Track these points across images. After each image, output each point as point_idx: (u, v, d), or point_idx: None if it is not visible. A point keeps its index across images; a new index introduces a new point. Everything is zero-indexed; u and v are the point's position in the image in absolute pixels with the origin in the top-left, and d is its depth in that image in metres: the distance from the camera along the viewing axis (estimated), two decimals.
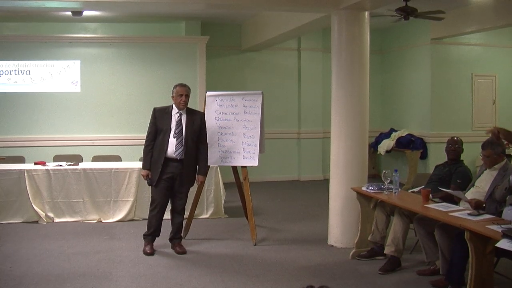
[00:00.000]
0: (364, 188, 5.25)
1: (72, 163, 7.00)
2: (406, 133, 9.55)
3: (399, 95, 10.25)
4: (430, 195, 4.71)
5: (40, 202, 6.72)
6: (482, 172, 4.69)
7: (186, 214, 5.89)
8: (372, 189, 5.14)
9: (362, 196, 5.29)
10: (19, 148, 8.28)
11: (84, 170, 6.84)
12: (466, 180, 5.03)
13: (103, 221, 6.80)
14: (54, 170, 6.78)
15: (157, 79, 8.84)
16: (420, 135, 9.36)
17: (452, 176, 5.15)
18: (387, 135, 10.03)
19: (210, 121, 6.11)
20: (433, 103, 9.18)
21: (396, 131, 9.90)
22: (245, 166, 6.00)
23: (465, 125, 9.28)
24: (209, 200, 7.05)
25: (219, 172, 7.07)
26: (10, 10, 7.62)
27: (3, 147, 8.27)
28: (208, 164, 5.83)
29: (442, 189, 4.79)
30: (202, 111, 6.17)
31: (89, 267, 4.98)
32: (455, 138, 5.37)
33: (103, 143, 8.74)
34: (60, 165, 6.90)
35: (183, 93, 5.38)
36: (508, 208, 3.94)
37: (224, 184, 7.18)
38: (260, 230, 6.21)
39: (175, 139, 5.35)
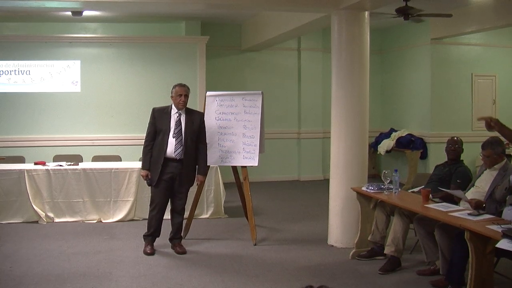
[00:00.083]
0: (364, 188, 5.25)
1: (72, 163, 7.00)
2: (406, 133, 9.56)
3: (399, 95, 10.25)
4: (430, 195, 4.71)
5: (40, 202, 6.72)
6: (482, 172, 4.69)
7: (186, 214, 5.89)
8: (372, 189, 5.14)
9: (362, 196, 5.29)
10: (19, 148, 8.28)
11: (84, 170, 6.84)
12: (466, 180, 5.03)
13: (103, 221, 6.80)
14: (54, 170, 6.78)
15: (157, 79, 8.84)
16: (420, 135, 9.37)
17: (452, 176, 5.15)
18: (387, 135, 10.03)
19: (210, 121, 6.11)
20: (433, 103, 9.18)
21: (396, 131, 9.90)
22: (245, 166, 6.00)
23: (465, 125, 9.28)
24: (209, 200, 7.06)
25: (219, 172, 7.07)
26: (10, 10, 7.62)
27: (3, 147, 8.27)
28: (208, 164, 5.83)
29: (442, 189, 4.80)
30: (202, 111, 6.17)
31: (89, 267, 4.98)
32: (455, 138, 5.37)
33: (103, 143, 8.74)
34: (60, 165, 6.90)
35: (182, 93, 5.38)
36: (508, 208, 3.95)
37: (224, 184, 7.18)
38: (260, 230, 6.21)
39: (174, 139, 5.35)
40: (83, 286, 4.49)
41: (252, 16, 9.15)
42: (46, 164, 6.99)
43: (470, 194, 4.60)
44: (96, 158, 7.76)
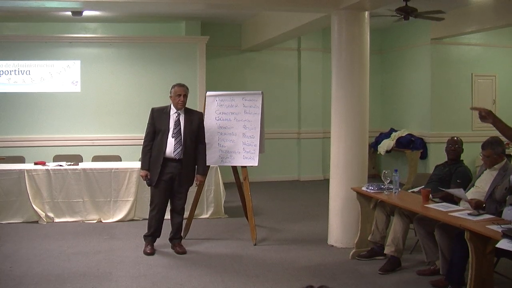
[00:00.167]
0: (364, 188, 5.25)
1: (72, 163, 7.00)
2: (406, 133, 9.56)
3: (399, 95, 10.25)
4: (430, 195, 4.71)
5: (40, 202, 6.72)
6: (482, 172, 4.69)
7: (186, 214, 5.89)
8: (372, 189, 5.14)
9: (362, 196, 5.29)
10: (19, 148, 8.28)
11: (84, 170, 6.84)
12: (466, 180, 5.03)
13: (103, 221, 6.80)
14: (54, 170, 6.78)
15: (157, 79, 8.83)
16: (420, 135, 9.37)
17: (452, 176, 5.15)
18: (387, 135, 10.03)
19: (210, 121, 6.12)
20: (433, 103, 9.18)
21: (396, 131, 9.90)
22: (245, 166, 5.99)
23: (465, 125, 9.28)
24: (209, 200, 7.05)
25: (219, 172, 7.07)
26: (10, 10, 7.62)
27: (3, 147, 8.27)
28: (208, 164, 5.83)
29: (442, 189, 4.79)
30: (202, 111, 6.17)
31: (89, 267, 4.98)
32: (455, 138, 5.37)
33: (103, 143, 8.74)
34: (60, 165, 6.90)
35: (181, 93, 5.38)
36: (508, 208, 3.94)
37: (224, 184, 7.17)
38: (260, 230, 6.21)
39: (173, 139, 5.35)
40: (83, 286, 4.49)
41: (252, 16, 9.15)
42: (46, 164, 6.99)
43: (470, 194, 4.59)
44: (96, 158, 7.76)
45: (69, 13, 7.67)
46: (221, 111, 6.19)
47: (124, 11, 8.01)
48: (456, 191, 4.61)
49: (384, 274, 4.79)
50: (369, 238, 5.21)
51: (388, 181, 5.06)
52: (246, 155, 5.99)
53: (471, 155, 8.02)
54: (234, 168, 6.35)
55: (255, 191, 7.48)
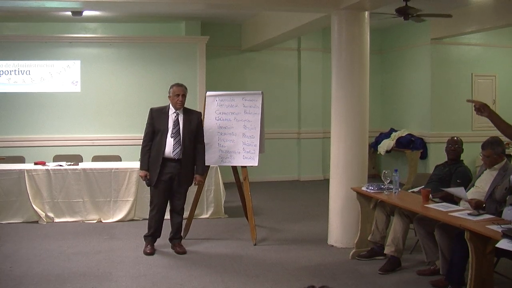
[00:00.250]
0: (364, 188, 5.25)
1: (72, 163, 7.00)
2: (406, 133, 9.56)
3: (399, 95, 10.25)
4: (430, 195, 4.71)
5: (40, 202, 6.72)
6: (482, 172, 4.69)
7: (186, 214, 5.89)
8: (372, 189, 5.14)
9: (362, 196, 5.29)
10: (19, 148, 8.28)
11: (84, 170, 6.84)
12: (466, 180, 5.03)
13: (103, 221, 6.80)
14: (54, 170, 6.78)
15: (157, 79, 8.83)
16: (420, 135, 9.37)
17: (452, 176, 5.15)
18: (387, 135, 10.03)
19: (210, 121, 6.12)
20: (433, 103, 9.18)
21: (396, 131, 9.90)
22: (245, 166, 6.00)
23: (465, 125, 9.28)
24: (209, 200, 7.05)
25: (219, 172, 7.07)
26: (10, 10, 7.62)
27: (3, 147, 8.27)
28: (208, 164, 5.83)
29: (443, 188, 4.79)
30: (202, 111, 6.17)
31: (89, 267, 4.98)
32: (455, 138, 5.37)
33: (103, 143, 8.74)
34: (60, 165, 6.90)
35: (180, 92, 5.38)
36: (508, 208, 3.94)
37: (224, 184, 7.17)
38: (260, 230, 6.21)
39: (172, 139, 5.34)
40: (83, 286, 4.49)
41: (252, 16, 9.15)
42: (46, 164, 6.99)
43: (470, 194, 4.59)
44: (96, 158, 7.76)
45: (69, 13, 7.67)
46: (221, 111, 6.19)
47: (124, 11, 8.01)
48: (457, 190, 4.61)
49: (384, 274, 4.79)
50: (369, 238, 5.22)
51: (388, 181, 5.07)
52: (246, 155, 5.99)
53: (471, 155, 8.02)
54: (234, 168, 6.35)
55: (255, 191, 7.48)
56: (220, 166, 6.77)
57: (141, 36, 9.15)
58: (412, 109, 9.82)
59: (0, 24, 8.81)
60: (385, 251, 4.95)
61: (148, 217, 5.55)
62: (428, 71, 9.23)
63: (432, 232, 4.54)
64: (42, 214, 6.66)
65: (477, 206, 4.21)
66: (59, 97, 8.71)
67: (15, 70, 8.60)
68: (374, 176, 9.56)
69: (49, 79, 8.69)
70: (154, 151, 5.38)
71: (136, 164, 6.82)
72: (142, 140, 5.46)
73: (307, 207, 7.89)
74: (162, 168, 5.32)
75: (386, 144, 9.80)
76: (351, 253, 5.30)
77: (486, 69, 9.46)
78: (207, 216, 7.03)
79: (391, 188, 5.03)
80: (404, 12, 6.79)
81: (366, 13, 5.75)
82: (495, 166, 4.54)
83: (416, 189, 5.43)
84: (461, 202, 4.62)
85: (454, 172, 5.18)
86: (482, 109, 3.99)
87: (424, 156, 9.27)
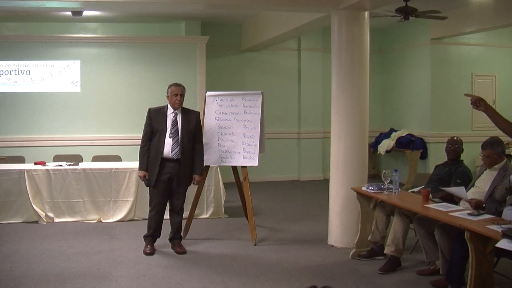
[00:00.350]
0: (364, 188, 5.25)
1: (72, 163, 7.00)
2: (406, 133, 9.56)
3: (399, 95, 10.25)
4: (430, 195, 4.71)
5: (40, 202, 6.72)
6: (482, 172, 4.69)
7: (186, 214, 5.89)
8: (372, 189, 5.14)
9: (362, 196, 5.29)
10: (19, 148, 8.28)
11: (84, 170, 6.84)
12: (466, 180, 5.02)
13: (103, 221, 6.80)
14: (54, 170, 6.78)
15: (157, 79, 8.82)
16: (420, 135, 9.37)
17: (452, 176, 5.15)
18: (387, 135, 10.03)
19: (210, 121, 6.12)
20: (433, 103, 9.18)
21: (396, 131, 9.90)
22: (245, 166, 5.99)
23: (465, 125, 9.28)
24: (209, 200, 7.05)
25: (219, 172, 7.07)
26: (10, 10, 7.62)
27: (3, 147, 8.27)
28: (208, 164, 5.83)
29: (443, 188, 4.79)
30: (202, 111, 6.17)
31: (89, 267, 4.98)
32: (455, 138, 5.37)
33: (103, 143, 8.74)
34: (60, 165, 6.91)
35: (178, 92, 5.38)
36: (508, 208, 3.94)
37: (224, 184, 7.17)
38: (260, 230, 6.21)
39: (171, 139, 5.34)
40: (83, 286, 4.49)
41: (252, 16, 9.15)
42: (46, 164, 6.99)
43: (470, 194, 4.59)
44: (96, 158, 7.76)
45: (69, 13, 7.67)
46: (221, 111, 6.19)
47: (124, 11, 8.01)
48: (457, 190, 4.61)
49: (384, 274, 4.79)
50: (369, 238, 5.22)
51: (388, 181, 5.06)
52: (246, 155, 5.99)
53: (471, 155, 8.02)
54: (234, 168, 6.35)
55: (255, 191, 7.48)
56: (220, 166, 6.77)
57: (141, 36, 9.15)
58: (412, 109, 9.82)
59: (0, 24, 8.81)
60: (385, 251, 4.95)
61: (147, 217, 5.54)
62: (428, 71, 9.23)
63: (432, 232, 4.54)
64: (42, 214, 6.66)
65: (477, 206, 4.21)
66: (59, 97, 8.72)
67: (15, 70, 8.60)
68: (374, 176, 9.56)
69: (49, 79, 8.69)
70: (152, 151, 5.37)
71: (136, 164, 6.82)
72: (140, 141, 5.46)
73: (307, 207, 7.89)
74: (161, 168, 5.32)
75: (386, 144, 9.80)
76: (351, 253, 5.29)
77: (486, 69, 9.46)
78: (207, 216, 7.03)
79: (391, 188, 5.03)
80: (405, 12, 6.79)
81: (366, 13, 5.75)
82: (495, 166, 4.54)
83: (416, 189, 5.43)
84: (461, 202, 4.63)
85: (454, 172, 5.18)
86: (478, 102, 3.99)
87: (424, 156, 9.27)
